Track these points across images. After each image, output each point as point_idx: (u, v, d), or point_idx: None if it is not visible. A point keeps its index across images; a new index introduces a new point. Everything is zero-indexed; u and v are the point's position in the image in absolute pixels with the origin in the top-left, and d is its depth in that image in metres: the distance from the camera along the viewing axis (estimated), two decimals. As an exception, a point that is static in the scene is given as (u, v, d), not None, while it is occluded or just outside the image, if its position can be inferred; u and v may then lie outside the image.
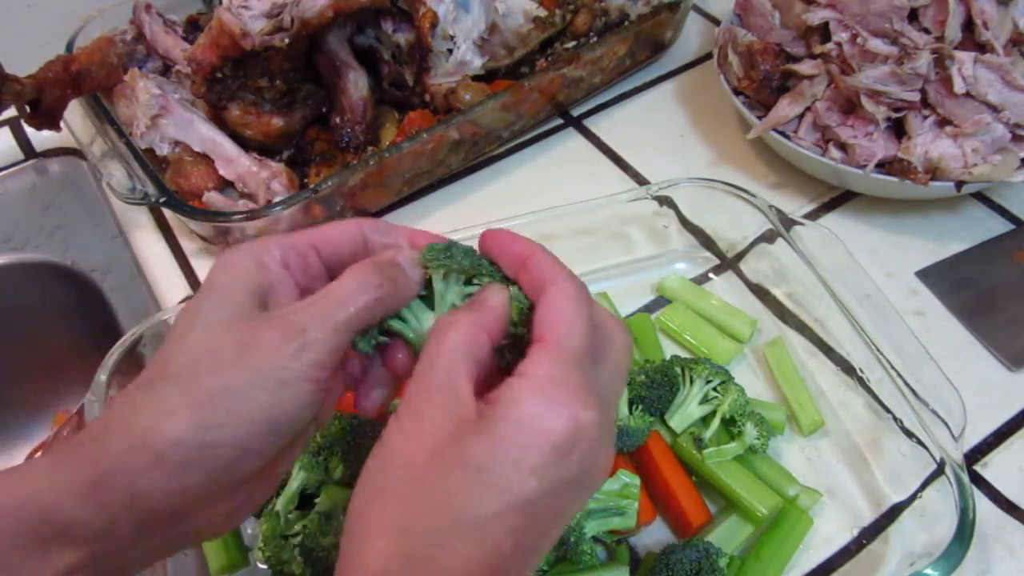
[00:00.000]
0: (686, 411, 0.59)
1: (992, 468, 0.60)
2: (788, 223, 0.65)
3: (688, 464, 0.58)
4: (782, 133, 0.75)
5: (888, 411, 0.59)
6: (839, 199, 0.79)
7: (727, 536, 0.55)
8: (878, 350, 0.58)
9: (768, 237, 0.68)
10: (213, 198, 0.74)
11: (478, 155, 0.83)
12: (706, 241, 0.73)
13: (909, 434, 0.56)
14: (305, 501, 0.56)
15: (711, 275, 0.73)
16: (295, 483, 0.55)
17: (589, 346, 0.35)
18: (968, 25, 0.69)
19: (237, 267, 0.36)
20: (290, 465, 0.40)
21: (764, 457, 0.59)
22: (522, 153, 0.85)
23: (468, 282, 0.39)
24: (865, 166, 0.71)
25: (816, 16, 0.73)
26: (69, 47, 0.80)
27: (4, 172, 0.89)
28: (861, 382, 0.62)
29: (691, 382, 0.60)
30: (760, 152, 0.83)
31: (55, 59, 0.75)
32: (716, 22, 0.99)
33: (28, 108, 0.75)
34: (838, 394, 0.64)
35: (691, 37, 0.97)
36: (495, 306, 0.37)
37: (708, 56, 0.94)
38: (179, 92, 0.78)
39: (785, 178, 0.80)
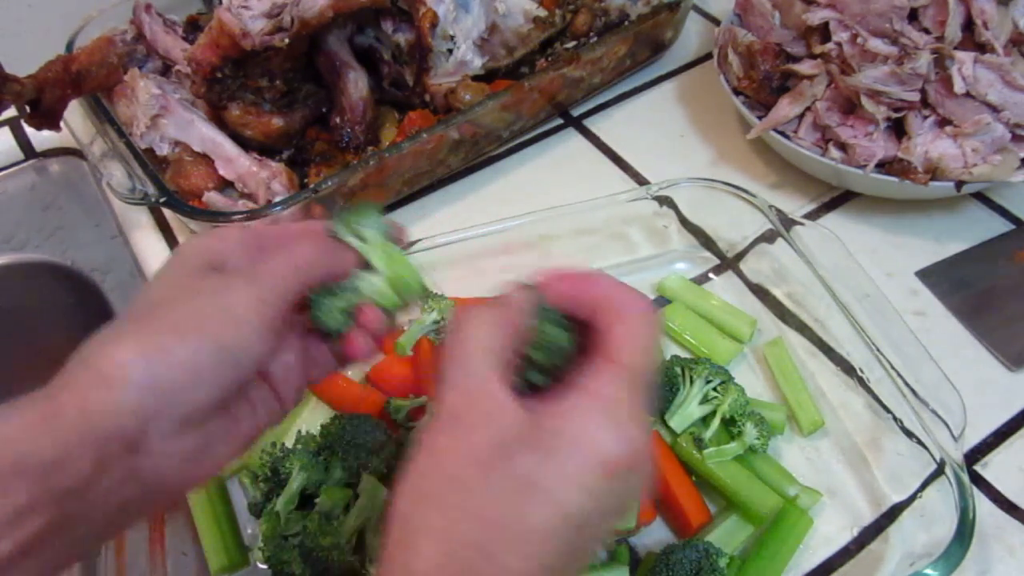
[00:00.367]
0: (686, 411, 0.59)
1: (992, 468, 0.60)
2: (788, 223, 0.65)
3: (688, 464, 0.58)
4: (782, 133, 0.75)
5: (888, 411, 0.59)
6: (839, 199, 0.79)
7: (727, 536, 0.55)
8: (878, 350, 0.58)
9: (768, 237, 0.68)
10: (213, 198, 0.74)
11: (478, 155, 0.83)
12: (706, 241, 0.73)
13: (909, 434, 0.56)
14: (305, 501, 0.56)
15: (711, 275, 0.73)
16: (295, 483, 0.55)
17: (651, 373, 0.35)
18: (968, 25, 0.69)
19: (196, 241, 0.41)
20: (250, 427, 0.40)
21: (764, 457, 0.59)
22: (522, 153, 0.85)
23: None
24: (865, 166, 0.70)
25: (816, 16, 0.73)
26: (69, 47, 0.81)
27: (4, 172, 0.89)
28: (861, 382, 0.62)
29: (691, 382, 0.60)
30: (760, 152, 0.83)
31: (55, 59, 0.75)
32: (716, 22, 0.99)
33: (28, 108, 0.75)
34: (838, 394, 0.63)
35: (691, 37, 0.97)
36: (517, 303, 0.37)
37: (708, 56, 0.93)
38: (179, 92, 0.78)
39: (785, 178, 0.80)
